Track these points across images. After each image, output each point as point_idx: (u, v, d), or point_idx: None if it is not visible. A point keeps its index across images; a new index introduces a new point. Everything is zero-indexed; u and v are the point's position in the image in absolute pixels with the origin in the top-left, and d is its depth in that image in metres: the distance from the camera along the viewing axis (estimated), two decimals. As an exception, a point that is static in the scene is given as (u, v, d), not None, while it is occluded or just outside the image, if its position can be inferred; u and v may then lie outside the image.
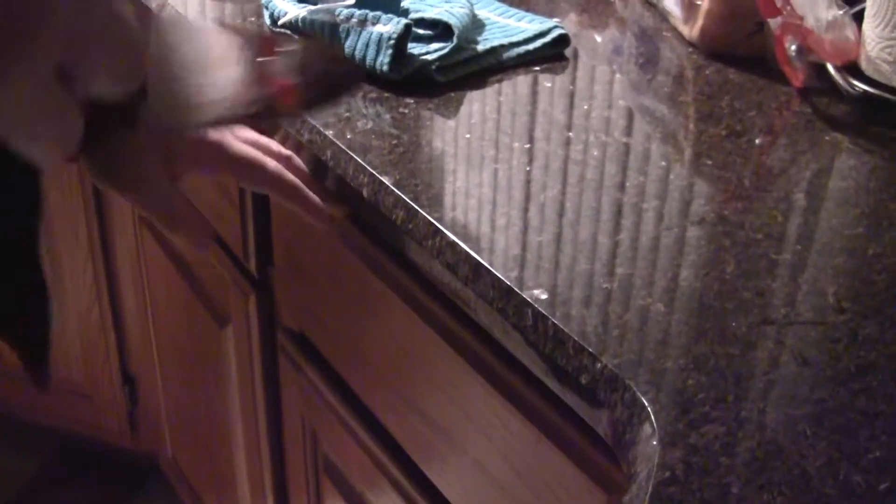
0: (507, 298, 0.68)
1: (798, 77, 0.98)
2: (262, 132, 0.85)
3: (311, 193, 0.85)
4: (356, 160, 0.83)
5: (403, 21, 0.93)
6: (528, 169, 0.83)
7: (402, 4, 1.02)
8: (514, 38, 1.02)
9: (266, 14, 1.05)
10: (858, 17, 0.96)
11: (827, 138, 0.91)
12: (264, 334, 1.21)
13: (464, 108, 0.93)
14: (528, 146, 0.87)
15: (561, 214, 0.77)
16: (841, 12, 0.95)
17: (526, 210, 0.77)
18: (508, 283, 0.68)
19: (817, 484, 0.53)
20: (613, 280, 0.69)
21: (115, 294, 1.80)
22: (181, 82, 0.61)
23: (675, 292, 0.68)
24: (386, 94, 0.94)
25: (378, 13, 0.95)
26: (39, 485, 2.06)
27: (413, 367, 0.88)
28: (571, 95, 0.97)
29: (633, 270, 0.70)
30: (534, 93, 0.98)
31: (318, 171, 0.89)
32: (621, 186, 0.81)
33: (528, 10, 1.13)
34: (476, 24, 1.04)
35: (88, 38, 0.48)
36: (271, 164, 0.82)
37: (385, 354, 0.93)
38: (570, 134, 0.89)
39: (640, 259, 0.72)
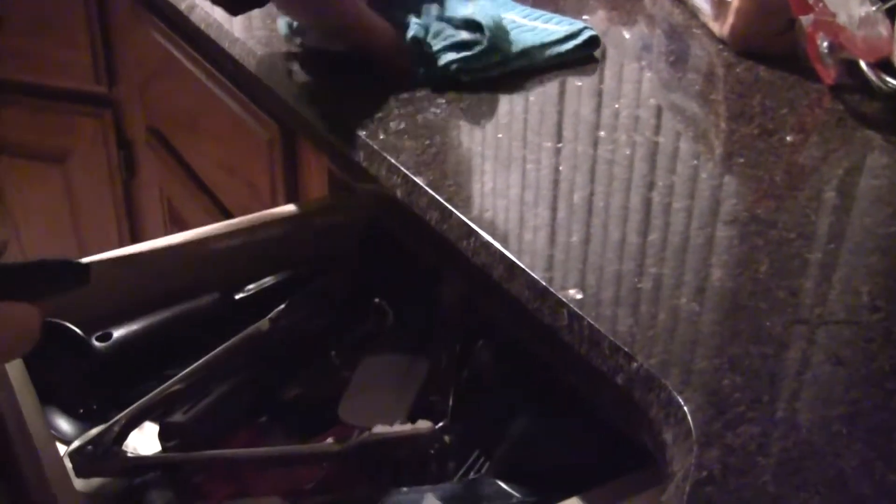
0: (542, 299, 0.68)
1: (830, 74, 0.98)
2: None
3: None
4: (389, 160, 0.84)
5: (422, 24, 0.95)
6: (559, 168, 0.84)
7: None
8: (546, 40, 1.02)
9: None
10: (892, 13, 0.95)
11: (859, 136, 0.91)
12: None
13: (495, 108, 0.94)
14: (559, 146, 0.87)
15: (593, 214, 0.77)
16: (874, 8, 0.95)
17: (559, 210, 0.78)
18: (544, 284, 0.68)
19: (853, 484, 0.53)
20: (647, 280, 0.70)
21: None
22: None
23: (708, 292, 0.68)
24: (418, 94, 0.95)
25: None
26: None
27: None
28: (601, 94, 0.98)
29: (667, 270, 0.71)
30: (564, 92, 0.98)
31: (352, 170, 0.89)
32: (653, 186, 0.81)
33: (556, 9, 1.13)
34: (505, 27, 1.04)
35: None
36: None
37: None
38: (601, 133, 0.89)
39: (673, 258, 0.72)
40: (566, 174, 0.83)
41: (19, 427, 0.78)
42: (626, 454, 0.71)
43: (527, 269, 0.70)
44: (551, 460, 0.78)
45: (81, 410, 0.92)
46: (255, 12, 1.16)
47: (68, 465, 0.78)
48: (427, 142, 0.87)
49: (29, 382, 0.79)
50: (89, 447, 0.81)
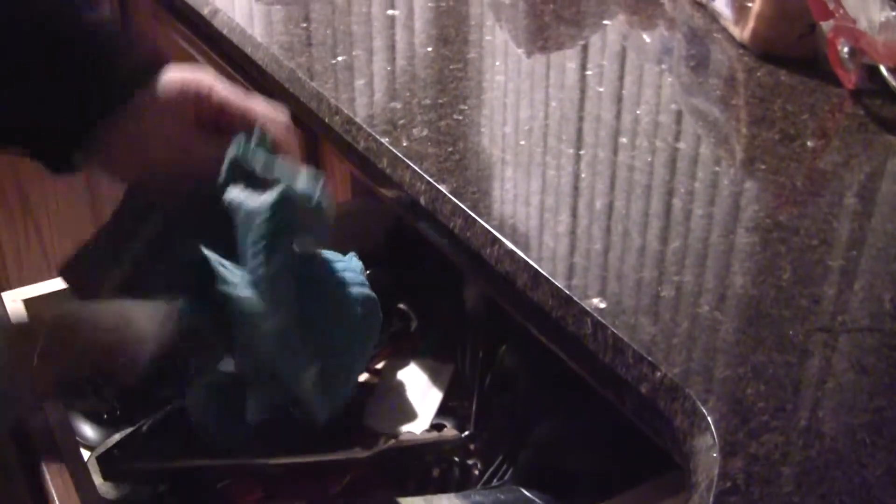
0: (566, 307, 0.69)
1: (850, 79, 0.98)
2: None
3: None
4: (413, 168, 0.84)
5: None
6: (581, 175, 0.84)
7: None
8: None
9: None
10: (912, 19, 0.96)
11: (880, 141, 0.91)
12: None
13: (517, 115, 0.94)
14: (580, 152, 0.87)
15: (615, 221, 0.78)
16: (894, 14, 0.95)
17: (581, 217, 0.78)
18: (568, 293, 0.69)
19: (878, 493, 0.54)
20: (669, 287, 0.70)
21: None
22: None
23: (731, 300, 0.69)
24: (440, 101, 0.95)
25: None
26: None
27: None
28: (622, 100, 0.98)
29: (690, 278, 0.71)
30: (585, 98, 0.98)
31: (376, 178, 0.90)
32: (675, 192, 0.82)
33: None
34: None
35: None
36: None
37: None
38: (623, 139, 0.90)
39: (696, 266, 0.72)
40: (588, 181, 0.83)
41: (46, 433, 0.79)
42: (649, 458, 0.72)
43: (550, 278, 0.70)
44: (575, 467, 0.79)
45: (105, 416, 0.93)
46: (279, 16, 1.17)
47: (94, 469, 0.79)
48: (450, 148, 0.87)
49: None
50: (115, 451, 0.82)
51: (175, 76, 0.75)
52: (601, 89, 1.00)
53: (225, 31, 1.19)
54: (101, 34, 0.75)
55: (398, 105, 0.95)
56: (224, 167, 0.72)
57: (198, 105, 0.75)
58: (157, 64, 0.75)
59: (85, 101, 0.73)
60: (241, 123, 0.74)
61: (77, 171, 0.76)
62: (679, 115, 0.95)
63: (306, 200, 0.70)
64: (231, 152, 0.72)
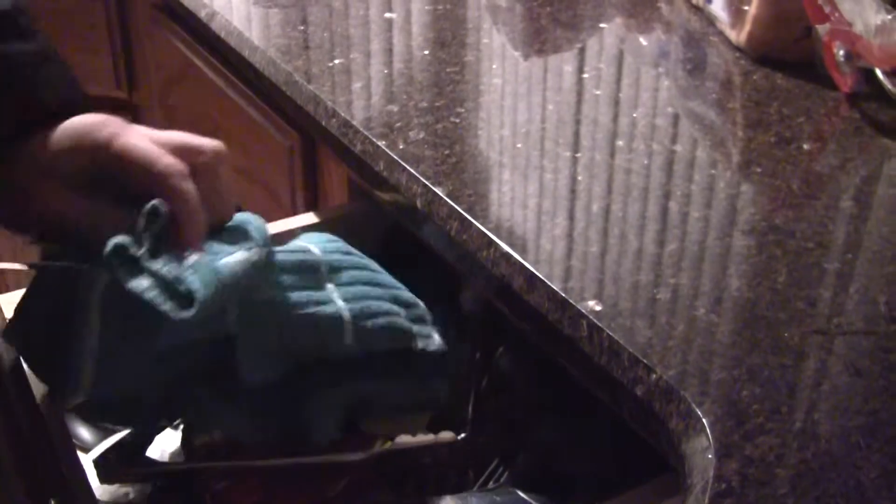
0: (562, 310, 0.69)
1: (846, 82, 0.99)
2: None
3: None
4: (409, 171, 0.85)
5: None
6: (577, 178, 0.84)
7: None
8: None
9: None
10: (908, 23, 0.96)
11: (876, 144, 0.91)
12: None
13: (514, 117, 0.95)
14: (577, 155, 0.88)
15: (611, 223, 0.78)
16: (890, 17, 0.95)
17: (577, 219, 0.78)
18: (563, 295, 0.69)
19: (872, 495, 0.54)
20: (665, 290, 0.70)
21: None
22: None
23: (727, 302, 0.69)
24: (437, 104, 0.96)
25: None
26: None
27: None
28: (619, 103, 0.98)
29: (686, 280, 0.71)
30: (582, 100, 0.99)
31: (373, 181, 0.90)
32: (671, 195, 0.82)
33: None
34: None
35: None
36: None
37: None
38: (619, 142, 0.90)
39: (692, 269, 0.73)
40: (584, 183, 0.83)
41: (42, 435, 0.79)
42: (645, 460, 0.72)
43: (546, 281, 0.71)
44: (571, 469, 0.79)
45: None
46: (276, 19, 1.17)
47: (91, 472, 0.79)
48: (447, 151, 0.88)
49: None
50: (112, 454, 0.82)
51: (76, 122, 0.67)
52: (598, 92, 1.00)
53: (223, 34, 1.19)
54: (15, 66, 0.68)
55: (395, 108, 0.96)
56: (107, 252, 0.63)
57: (94, 155, 0.66)
58: (68, 106, 0.69)
59: None
60: (142, 177, 0.65)
61: None
62: (676, 119, 0.96)
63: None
64: (112, 242, 0.63)
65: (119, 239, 0.63)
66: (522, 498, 0.75)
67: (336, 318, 0.73)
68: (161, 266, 0.63)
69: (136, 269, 0.63)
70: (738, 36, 1.09)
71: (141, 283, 0.63)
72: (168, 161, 0.65)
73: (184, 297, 0.62)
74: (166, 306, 0.62)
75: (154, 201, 0.64)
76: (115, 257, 0.63)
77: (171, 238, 0.65)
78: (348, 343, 0.74)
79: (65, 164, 0.67)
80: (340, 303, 0.74)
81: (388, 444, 0.77)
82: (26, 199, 0.68)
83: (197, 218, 0.66)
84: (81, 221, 0.67)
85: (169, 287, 0.63)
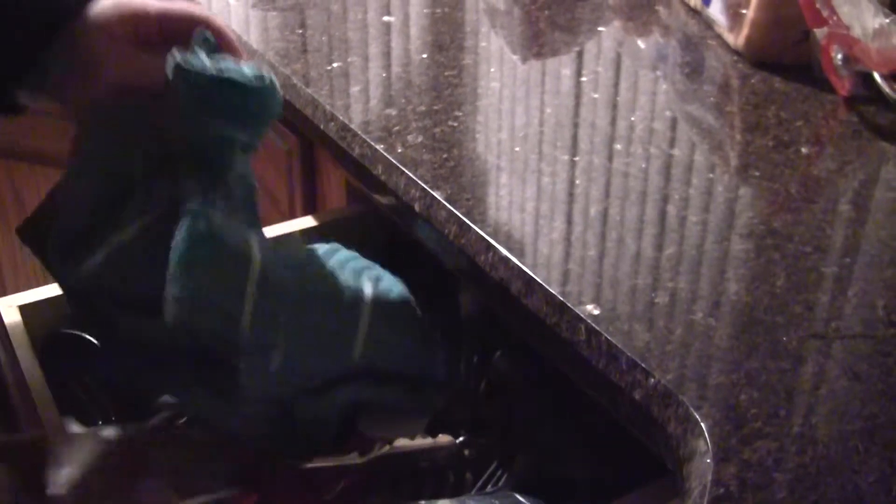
0: (560, 314, 0.69)
1: (844, 86, 0.99)
2: None
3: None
4: (408, 174, 0.85)
5: None
6: (575, 182, 0.84)
7: None
8: None
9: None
10: (905, 26, 0.96)
11: (874, 147, 0.91)
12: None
13: (512, 121, 0.95)
14: (575, 158, 0.88)
15: (609, 227, 0.78)
16: (888, 20, 0.95)
17: (575, 223, 0.78)
18: (561, 299, 0.69)
19: (870, 500, 0.54)
20: (663, 294, 0.70)
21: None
22: None
23: (725, 306, 0.69)
24: (435, 108, 0.96)
25: None
26: None
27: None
28: (617, 106, 0.98)
29: (683, 284, 0.71)
30: (580, 104, 0.99)
31: (371, 185, 0.90)
32: (669, 199, 0.82)
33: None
34: None
35: None
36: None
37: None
38: (617, 145, 0.90)
39: (690, 273, 0.73)
40: (582, 187, 0.84)
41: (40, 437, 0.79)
42: (644, 464, 0.72)
43: (544, 285, 0.71)
44: (569, 473, 0.79)
45: (100, 421, 0.93)
46: (274, 23, 1.17)
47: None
48: (445, 155, 0.88)
49: (48, 393, 0.80)
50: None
51: (106, 1, 0.72)
52: (596, 96, 1.00)
53: (221, 38, 1.19)
54: None
55: (393, 111, 0.96)
56: (168, 72, 0.69)
57: (136, 22, 0.72)
58: None
59: (18, 35, 0.71)
60: (184, 31, 0.72)
61: (24, 111, 0.75)
62: (674, 122, 0.96)
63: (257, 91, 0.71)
64: (172, 60, 0.69)
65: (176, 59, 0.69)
66: (521, 501, 0.75)
67: (357, 295, 0.76)
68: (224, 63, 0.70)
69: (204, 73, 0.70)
70: (736, 39, 1.09)
71: (210, 67, 0.70)
72: (201, 9, 0.73)
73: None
74: (247, 73, 0.70)
75: (199, 29, 0.71)
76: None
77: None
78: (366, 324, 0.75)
79: (114, 35, 0.72)
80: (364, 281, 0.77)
81: (387, 448, 0.77)
82: (96, 66, 0.72)
83: (236, 39, 0.74)
84: (137, 82, 0.72)
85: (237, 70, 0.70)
